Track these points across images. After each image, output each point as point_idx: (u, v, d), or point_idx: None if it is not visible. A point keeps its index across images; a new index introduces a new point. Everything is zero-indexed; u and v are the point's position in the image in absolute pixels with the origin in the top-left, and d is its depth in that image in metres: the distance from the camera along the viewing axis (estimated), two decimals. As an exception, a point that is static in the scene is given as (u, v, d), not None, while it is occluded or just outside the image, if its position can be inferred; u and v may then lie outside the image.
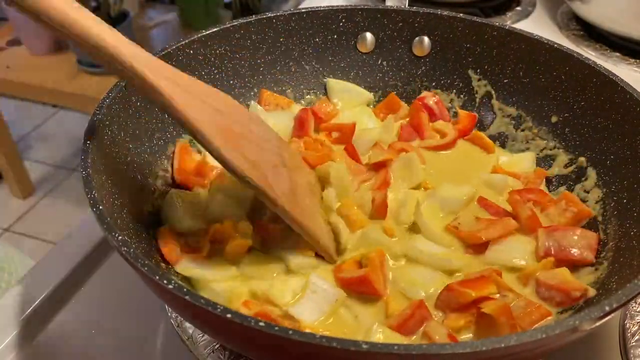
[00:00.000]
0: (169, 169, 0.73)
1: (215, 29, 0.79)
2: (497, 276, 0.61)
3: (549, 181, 0.78)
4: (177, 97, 0.53)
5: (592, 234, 0.66)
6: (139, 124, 0.70)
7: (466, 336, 0.58)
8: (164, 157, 0.73)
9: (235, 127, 0.59)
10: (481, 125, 0.86)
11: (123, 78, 0.56)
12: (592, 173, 0.73)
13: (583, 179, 0.74)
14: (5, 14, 2.67)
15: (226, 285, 0.61)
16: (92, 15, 0.51)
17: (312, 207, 0.66)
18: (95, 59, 0.53)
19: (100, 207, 0.52)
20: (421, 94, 0.88)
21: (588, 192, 0.72)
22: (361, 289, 0.61)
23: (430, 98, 0.86)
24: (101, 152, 0.59)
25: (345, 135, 0.82)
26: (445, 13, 0.85)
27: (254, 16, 0.83)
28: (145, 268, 0.46)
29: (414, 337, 0.57)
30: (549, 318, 0.59)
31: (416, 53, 0.88)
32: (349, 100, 0.88)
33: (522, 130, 0.82)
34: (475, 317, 0.59)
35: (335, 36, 0.87)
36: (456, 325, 0.58)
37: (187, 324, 0.66)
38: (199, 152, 0.77)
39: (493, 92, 0.85)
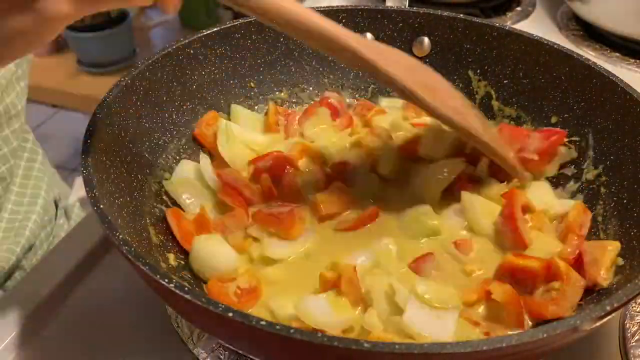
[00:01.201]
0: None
1: (215, 29, 0.79)
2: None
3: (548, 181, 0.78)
4: (386, 65, 0.61)
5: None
6: (139, 124, 0.70)
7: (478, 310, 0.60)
8: (164, 156, 0.73)
9: (427, 81, 0.67)
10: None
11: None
12: (592, 173, 0.73)
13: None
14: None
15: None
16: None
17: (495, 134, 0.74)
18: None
19: (101, 206, 0.52)
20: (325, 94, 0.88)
21: (588, 192, 0.72)
22: None
23: (334, 97, 0.86)
24: (101, 152, 0.59)
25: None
26: (445, 13, 0.85)
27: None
28: (146, 267, 0.46)
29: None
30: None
31: (416, 53, 0.88)
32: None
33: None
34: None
35: (335, 36, 0.87)
36: (469, 299, 0.60)
37: (187, 324, 0.66)
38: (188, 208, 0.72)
39: (493, 92, 0.85)
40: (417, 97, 0.63)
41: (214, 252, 0.64)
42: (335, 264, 0.60)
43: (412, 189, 0.74)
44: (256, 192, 0.72)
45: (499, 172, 0.73)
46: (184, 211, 0.70)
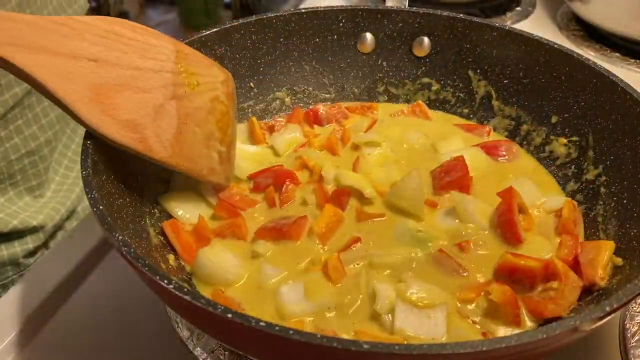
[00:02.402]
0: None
1: (215, 29, 0.79)
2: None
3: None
4: (39, 70, 0.51)
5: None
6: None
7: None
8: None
9: (112, 76, 0.57)
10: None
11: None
12: (592, 173, 0.73)
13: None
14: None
15: None
16: None
17: (200, 135, 0.65)
18: None
19: (101, 207, 0.52)
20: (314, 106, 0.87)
21: (588, 192, 0.72)
22: None
23: (322, 108, 0.86)
24: (101, 152, 0.59)
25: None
26: (445, 13, 0.85)
27: (254, 16, 0.83)
28: (146, 268, 0.46)
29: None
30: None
31: (416, 53, 0.88)
32: None
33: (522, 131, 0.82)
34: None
35: (335, 36, 0.87)
36: (467, 297, 0.60)
37: (187, 324, 0.66)
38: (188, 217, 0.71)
39: (493, 92, 0.85)
40: (71, 113, 0.54)
41: (221, 264, 0.63)
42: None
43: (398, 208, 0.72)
44: (254, 203, 0.72)
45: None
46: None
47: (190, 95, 0.64)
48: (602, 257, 0.61)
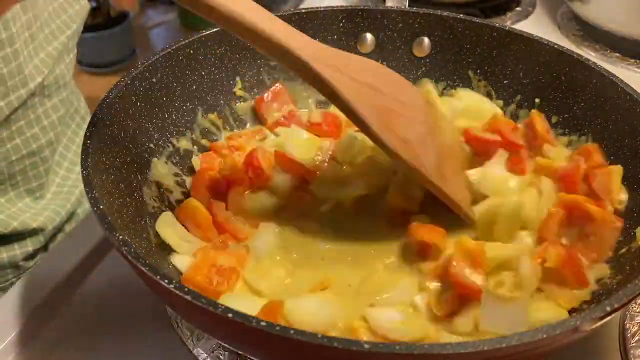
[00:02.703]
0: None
1: (215, 29, 0.79)
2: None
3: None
4: (341, 86, 0.56)
5: None
6: (139, 124, 0.70)
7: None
8: (163, 157, 0.73)
9: (388, 103, 0.61)
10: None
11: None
12: (592, 173, 0.73)
13: (583, 179, 0.74)
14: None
15: None
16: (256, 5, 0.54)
17: (454, 167, 0.68)
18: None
19: (101, 207, 0.52)
20: None
21: (588, 193, 0.72)
22: None
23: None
24: (101, 152, 0.59)
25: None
26: (445, 14, 0.85)
27: (254, 16, 0.82)
28: (146, 268, 0.46)
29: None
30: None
31: (416, 54, 0.88)
32: None
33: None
34: None
35: (335, 36, 0.87)
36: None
37: (187, 324, 0.66)
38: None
39: (493, 92, 0.85)
40: (363, 124, 0.58)
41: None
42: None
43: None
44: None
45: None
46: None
47: (438, 134, 0.68)
48: (614, 180, 0.65)
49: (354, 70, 0.59)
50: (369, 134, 0.58)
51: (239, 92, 0.84)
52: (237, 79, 0.83)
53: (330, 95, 0.56)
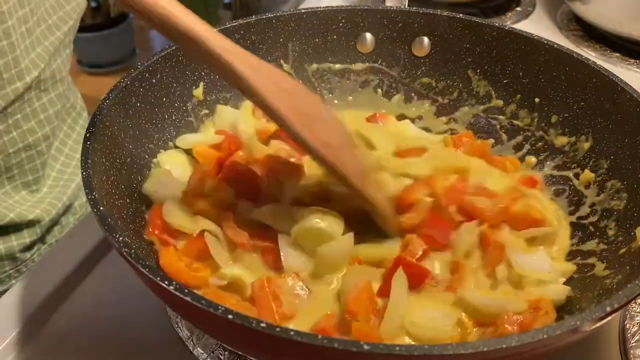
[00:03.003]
0: None
1: (215, 29, 0.79)
2: None
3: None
4: (256, 82, 0.56)
5: None
6: (139, 124, 0.70)
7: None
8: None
9: (305, 109, 0.60)
10: (480, 125, 0.86)
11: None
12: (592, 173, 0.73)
13: (583, 179, 0.74)
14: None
15: None
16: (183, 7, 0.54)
17: (375, 186, 0.67)
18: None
19: (101, 208, 0.52)
20: None
21: (588, 193, 0.72)
22: None
23: None
24: (101, 152, 0.59)
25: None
26: (445, 13, 0.85)
27: (253, 16, 0.83)
28: (146, 269, 0.46)
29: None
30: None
31: (416, 53, 0.88)
32: None
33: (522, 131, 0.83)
34: None
35: (335, 36, 0.87)
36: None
37: (187, 324, 0.66)
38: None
39: (493, 92, 0.85)
40: (286, 124, 0.57)
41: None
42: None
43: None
44: None
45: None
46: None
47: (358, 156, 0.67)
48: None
49: (273, 75, 0.59)
50: (288, 130, 0.58)
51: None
52: None
53: (245, 89, 0.56)
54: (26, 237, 0.94)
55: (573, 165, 0.76)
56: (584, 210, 0.71)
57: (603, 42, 1.24)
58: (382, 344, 0.40)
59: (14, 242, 0.93)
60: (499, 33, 0.82)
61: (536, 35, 0.79)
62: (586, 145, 0.74)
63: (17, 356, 0.66)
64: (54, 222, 0.99)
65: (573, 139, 0.76)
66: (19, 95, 0.84)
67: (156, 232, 0.65)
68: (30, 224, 0.93)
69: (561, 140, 0.78)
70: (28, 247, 0.95)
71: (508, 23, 1.30)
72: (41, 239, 0.97)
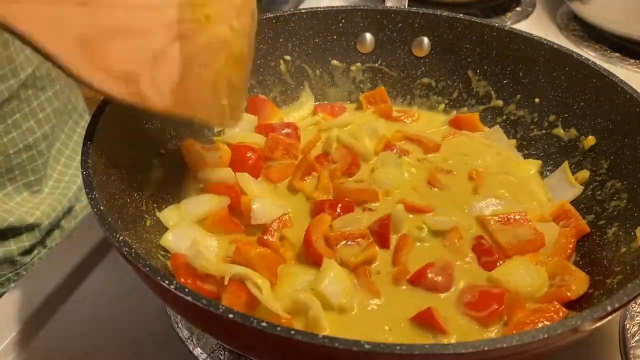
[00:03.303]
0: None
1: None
2: None
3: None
4: (24, 22, 0.47)
5: None
6: (139, 124, 0.70)
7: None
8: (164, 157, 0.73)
9: (103, 21, 0.51)
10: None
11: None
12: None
13: (583, 179, 0.74)
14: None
15: None
16: None
17: (207, 79, 0.58)
18: None
19: (101, 208, 0.52)
20: None
21: (588, 192, 0.72)
22: None
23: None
24: (101, 152, 0.59)
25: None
26: (445, 14, 0.85)
27: (254, 16, 0.82)
28: (147, 268, 0.46)
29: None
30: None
31: (416, 54, 0.88)
32: None
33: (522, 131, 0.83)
34: None
35: (335, 36, 0.87)
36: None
37: (187, 324, 0.66)
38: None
39: (493, 92, 0.85)
40: (62, 67, 0.50)
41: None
42: None
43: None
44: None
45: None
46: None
47: (197, 32, 0.56)
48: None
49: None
50: (73, 78, 0.51)
51: None
52: None
53: (17, 37, 0.48)
54: (25, 241, 0.94)
55: (572, 166, 0.75)
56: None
57: (603, 42, 1.24)
58: (382, 343, 0.40)
59: (13, 246, 0.92)
60: (499, 33, 0.82)
61: (536, 36, 0.79)
62: (586, 145, 0.74)
63: (17, 356, 0.66)
64: (55, 226, 0.98)
65: (573, 138, 0.76)
66: (14, 92, 0.84)
67: (189, 281, 0.60)
68: (29, 227, 0.93)
69: (561, 140, 0.78)
70: (27, 251, 0.95)
71: (508, 23, 1.30)
72: (41, 243, 0.97)
